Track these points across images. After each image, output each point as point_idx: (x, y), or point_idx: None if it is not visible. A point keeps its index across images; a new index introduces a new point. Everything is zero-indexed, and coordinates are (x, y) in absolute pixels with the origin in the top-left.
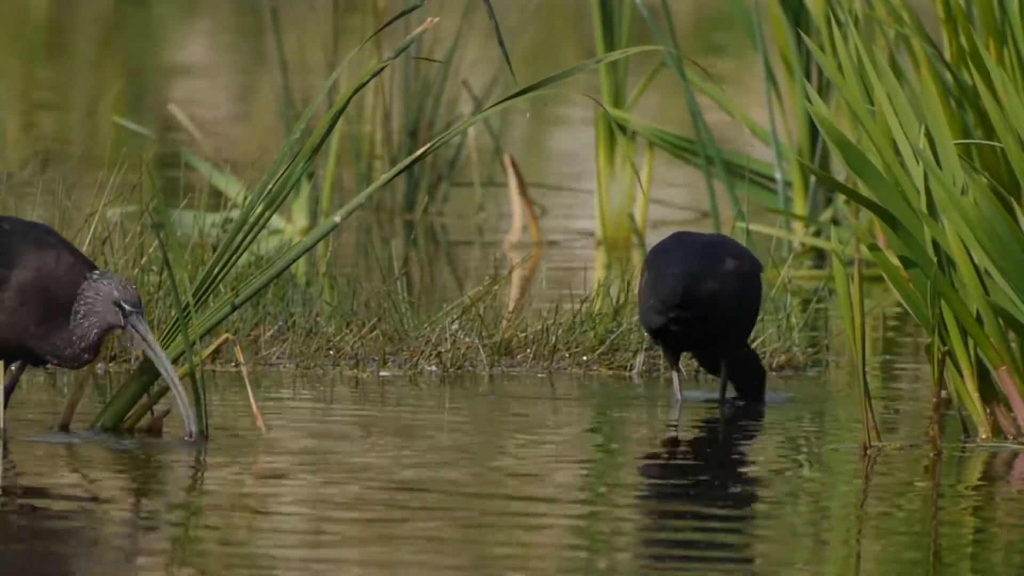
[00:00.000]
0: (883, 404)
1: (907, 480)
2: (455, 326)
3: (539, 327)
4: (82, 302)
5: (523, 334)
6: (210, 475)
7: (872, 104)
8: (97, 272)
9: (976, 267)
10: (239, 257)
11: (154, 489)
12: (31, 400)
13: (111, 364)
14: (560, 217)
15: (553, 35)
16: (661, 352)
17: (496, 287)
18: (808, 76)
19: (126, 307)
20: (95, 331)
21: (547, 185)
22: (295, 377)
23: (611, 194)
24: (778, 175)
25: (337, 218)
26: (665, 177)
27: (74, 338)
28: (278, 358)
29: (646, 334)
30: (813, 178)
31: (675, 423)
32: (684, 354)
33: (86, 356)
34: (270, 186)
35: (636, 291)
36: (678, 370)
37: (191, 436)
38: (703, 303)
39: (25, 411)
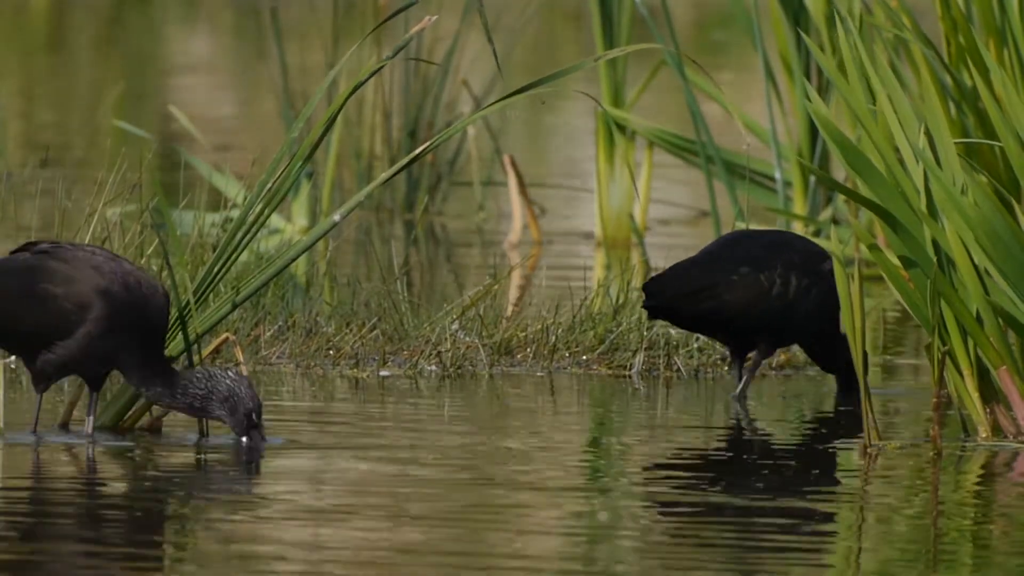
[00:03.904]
0: (883, 404)
1: (907, 480)
2: (455, 326)
3: (539, 327)
4: (211, 386)
5: (523, 334)
6: (209, 474)
7: (872, 104)
8: (236, 373)
9: (976, 267)
10: (239, 256)
11: (153, 488)
12: (30, 399)
13: None
14: (560, 217)
15: (553, 35)
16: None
17: (496, 287)
18: (808, 76)
19: (254, 419)
20: (198, 412)
21: (547, 185)
22: (295, 377)
23: (611, 194)
24: (778, 175)
25: (336, 217)
26: (665, 177)
27: (177, 391)
28: (278, 358)
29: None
30: (813, 178)
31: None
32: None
33: (164, 401)
34: (269, 185)
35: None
36: (737, 366)
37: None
38: (669, 294)
39: (24, 410)
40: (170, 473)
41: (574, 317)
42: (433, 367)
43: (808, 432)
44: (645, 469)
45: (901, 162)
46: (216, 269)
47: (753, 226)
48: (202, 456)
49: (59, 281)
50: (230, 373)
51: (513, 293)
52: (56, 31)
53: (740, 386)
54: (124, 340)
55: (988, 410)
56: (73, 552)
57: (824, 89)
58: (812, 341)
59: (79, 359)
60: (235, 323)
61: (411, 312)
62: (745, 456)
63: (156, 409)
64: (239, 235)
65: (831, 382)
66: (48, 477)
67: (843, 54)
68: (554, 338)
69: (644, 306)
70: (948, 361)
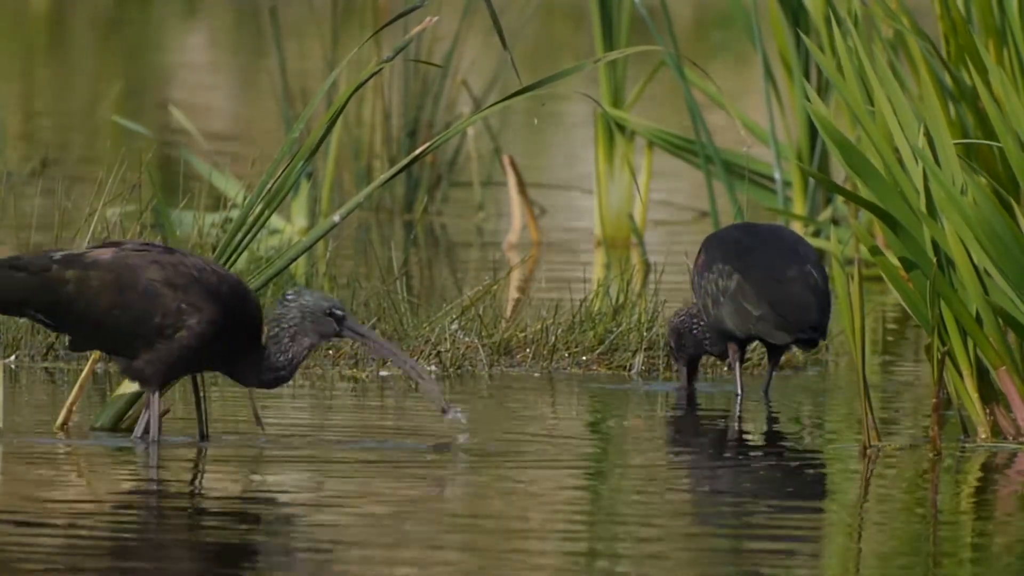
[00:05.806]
0: (883, 404)
1: (907, 480)
2: (455, 326)
3: (539, 327)
4: (284, 324)
5: (522, 334)
6: (209, 474)
7: (871, 104)
8: (291, 293)
9: (976, 267)
10: (238, 256)
11: (152, 489)
12: (30, 400)
13: (110, 364)
14: (559, 217)
15: (553, 35)
16: (730, 348)
17: (495, 287)
18: (807, 76)
19: (339, 313)
20: (306, 350)
21: (546, 185)
22: (294, 376)
23: (610, 194)
24: (777, 175)
25: (336, 218)
26: (664, 177)
27: (280, 360)
28: None
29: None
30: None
31: (687, 415)
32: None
33: (286, 376)
34: (269, 185)
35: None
36: (740, 366)
37: (446, 412)
38: (827, 318)
39: (24, 411)
40: (170, 474)
41: (574, 317)
42: (433, 367)
43: (807, 432)
44: (642, 470)
45: (900, 162)
46: None
47: None
48: (201, 457)
49: (171, 285)
50: (287, 297)
51: (512, 293)
52: (56, 30)
53: (768, 381)
54: (220, 349)
55: (988, 411)
56: (63, 553)
57: (824, 89)
58: None
59: (176, 362)
60: None
61: (410, 312)
62: (744, 456)
63: None
64: (239, 235)
65: (830, 383)
66: (47, 478)
67: (841, 55)
68: (553, 338)
69: (813, 339)
70: (948, 361)
